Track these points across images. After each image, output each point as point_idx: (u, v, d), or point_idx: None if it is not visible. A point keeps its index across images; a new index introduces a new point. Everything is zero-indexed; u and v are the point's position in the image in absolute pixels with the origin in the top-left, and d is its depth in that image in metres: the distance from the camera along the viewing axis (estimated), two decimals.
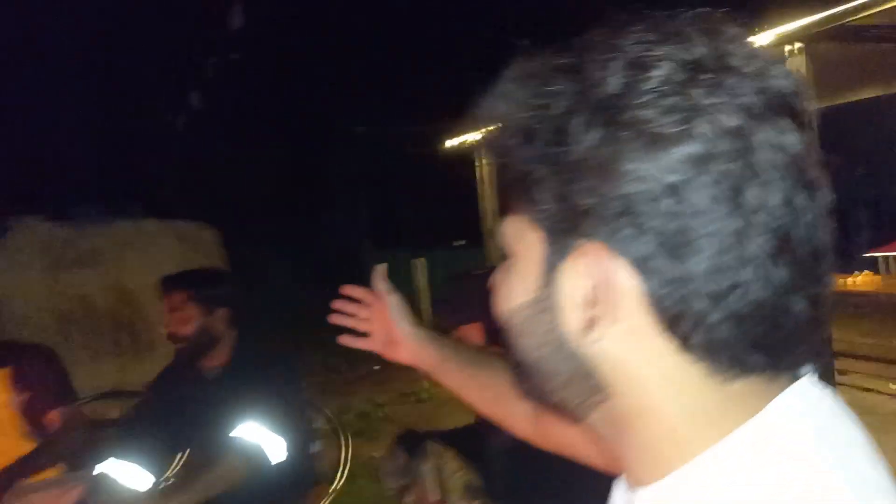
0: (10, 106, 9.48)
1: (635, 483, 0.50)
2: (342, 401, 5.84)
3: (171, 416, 2.16)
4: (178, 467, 2.31)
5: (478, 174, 6.51)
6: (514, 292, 0.52)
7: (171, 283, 2.20)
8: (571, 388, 0.50)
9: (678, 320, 0.44)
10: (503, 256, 0.54)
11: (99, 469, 2.03)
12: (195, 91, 11.54)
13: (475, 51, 9.58)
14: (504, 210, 0.53)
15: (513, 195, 0.50)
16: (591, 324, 0.46)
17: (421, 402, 5.74)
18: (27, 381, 2.33)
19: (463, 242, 11.55)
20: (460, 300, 1.56)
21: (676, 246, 0.43)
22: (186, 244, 6.81)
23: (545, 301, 0.49)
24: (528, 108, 0.47)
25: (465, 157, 7.35)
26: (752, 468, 0.43)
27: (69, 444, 2.32)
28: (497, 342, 1.33)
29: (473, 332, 1.54)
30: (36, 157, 9.54)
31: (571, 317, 0.47)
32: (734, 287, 0.43)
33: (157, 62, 11.10)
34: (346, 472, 2.40)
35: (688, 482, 0.46)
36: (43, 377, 2.37)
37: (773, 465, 0.43)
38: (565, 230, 0.46)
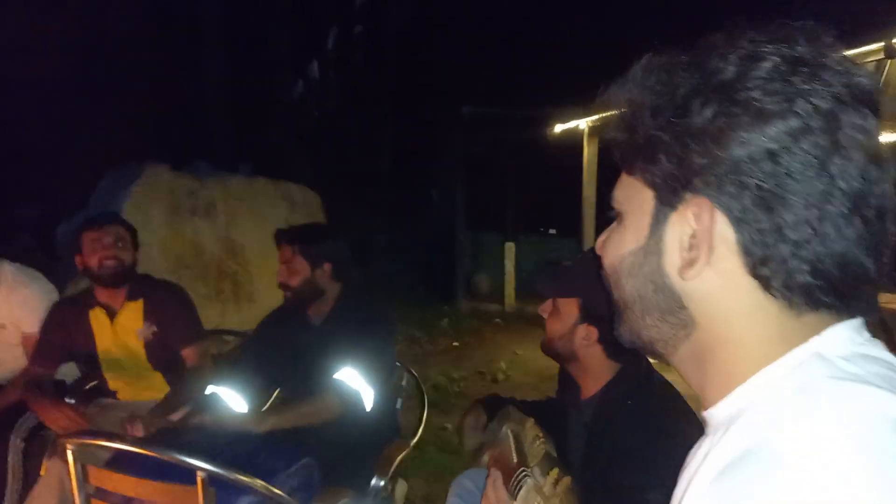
0: (146, 65, 10.21)
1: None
2: (419, 371, 6.00)
3: (275, 354, 2.37)
4: (274, 400, 2.53)
5: (584, 160, 6.43)
6: (623, 241, 0.64)
7: (284, 237, 2.38)
8: (665, 322, 0.62)
9: (764, 264, 0.55)
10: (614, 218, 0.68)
11: (209, 391, 2.26)
12: (314, 62, 12.00)
13: (590, 42, 9.44)
14: (616, 178, 0.67)
15: (633, 161, 0.62)
16: (690, 264, 0.57)
17: (496, 383, 5.84)
18: (160, 314, 2.62)
19: (553, 231, 11.49)
20: (567, 274, 1.60)
21: (769, 202, 0.53)
22: (292, 204, 7.17)
23: (653, 246, 0.61)
24: (657, 90, 0.59)
25: (568, 145, 7.33)
26: (801, 378, 0.54)
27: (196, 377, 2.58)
28: (589, 320, 1.36)
29: (570, 307, 1.59)
30: (165, 112, 10.23)
31: (674, 258, 0.59)
32: (814, 238, 0.53)
33: (281, 33, 11.59)
34: (422, 429, 2.53)
35: (749, 392, 0.56)
36: (174, 313, 2.64)
37: (818, 377, 0.53)
38: (676, 187, 0.58)
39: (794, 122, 0.53)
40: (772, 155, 0.53)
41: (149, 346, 2.63)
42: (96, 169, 6.50)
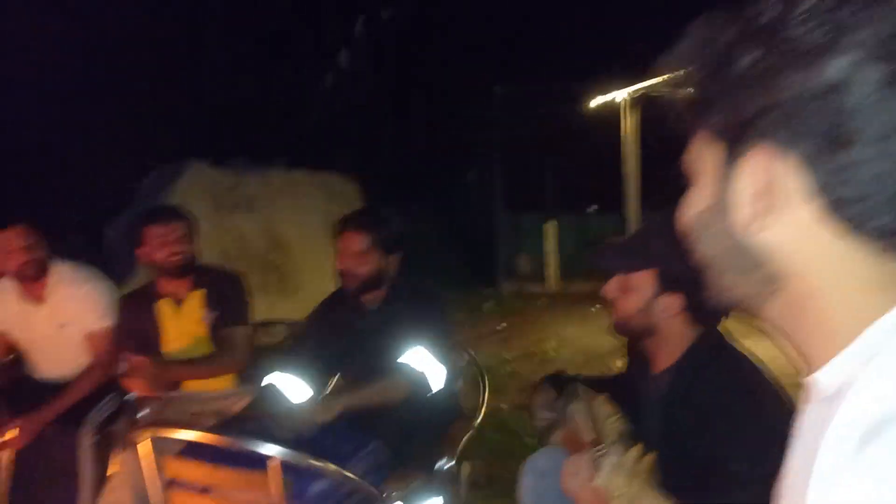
0: (179, 65, 10.34)
1: (813, 369, 0.56)
2: None
3: (332, 341, 2.38)
4: (333, 386, 2.55)
5: (624, 133, 6.29)
6: (694, 202, 0.62)
7: (354, 224, 2.32)
8: (748, 280, 0.58)
9: (844, 206, 0.50)
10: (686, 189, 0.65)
11: (266, 381, 2.27)
12: (344, 49, 12.00)
13: (625, 12, 9.21)
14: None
15: (693, 121, 0.60)
16: (758, 216, 0.54)
17: (547, 361, 5.80)
18: (219, 300, 2.68)
19: (595, 208, 11.33)
20: (637, 246, 1.54)
21: (839, 138, 0.49)
22: (331, 194, 7.22)
23: (722, 203, 0.58)
24: (700, 44, 0.57)
25: (606, 118, 7.20)
26: None
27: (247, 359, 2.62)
28: (671, 289, 1.32)
29: (645, 280, 1.53)
30: (201, 110, 10.36)
31: (744, 211, 0.55)
32: (894, 170, 0.49)
33: (309, 21, 11.61)
34: (483, 410, 2.51)
35: (863, 350, 0.52)
36: (230, 297, 2.71)
37: None
38: (737, 138, 0.55)
39: (849, 54, 0.49)
40: (831, 90, 0.49)
41: (212, 329, 2.69)
42: (137, 168, 6.62)
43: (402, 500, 1.84)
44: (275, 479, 1.54)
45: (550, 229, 9.37)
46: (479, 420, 2.49)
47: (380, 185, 8.20)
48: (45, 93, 9.37)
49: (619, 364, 5.59)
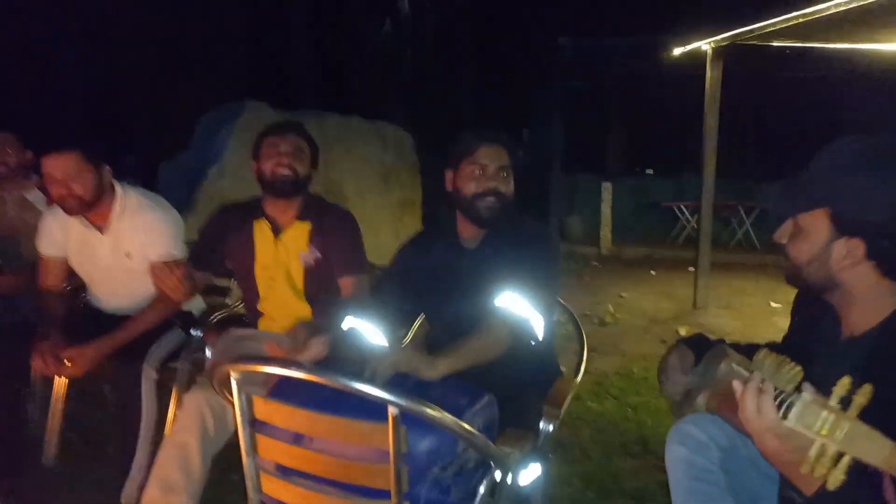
0: (234, 8, 10.08)
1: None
2: None
3: (422, 283, 2.13)
4: (416, 330, 2.31)
5: (707, 86, 5.84)
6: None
7: (491, 137, 2.05)
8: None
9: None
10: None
11: (347, 325, 2.04)
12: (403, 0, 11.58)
13: None
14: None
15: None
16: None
17: (604, 325, 5.55)
18: (325, 239, 2.44)
19: (651, 171, 10.92)
20: (806, 183, 1.30)
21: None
22: (385, 143, 6.97)
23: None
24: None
25: (678, 75, 6.76)
26: None
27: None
28: (848, 232, 1.25)
29: (817, 221, 1.29)
30: (263, 53, 10.12)
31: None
32: None
33: None
34: (582, 368, 2.27)
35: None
36: (340, 240, 2.45)
37: None
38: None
39: None
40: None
41: (309, 272, 2.47)
42: (193, 112, 6.45)
43: (519, 464, 1.61)
44: (393, 430, 1.31)
45: (606, 191, 9.01)
46: (578, 380, 2.25)
47: (434, 139, 7.91)
48: (102, 36, 9.22)
49: (682, 331, 5.34)
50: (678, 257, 8.51)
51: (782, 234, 1.37)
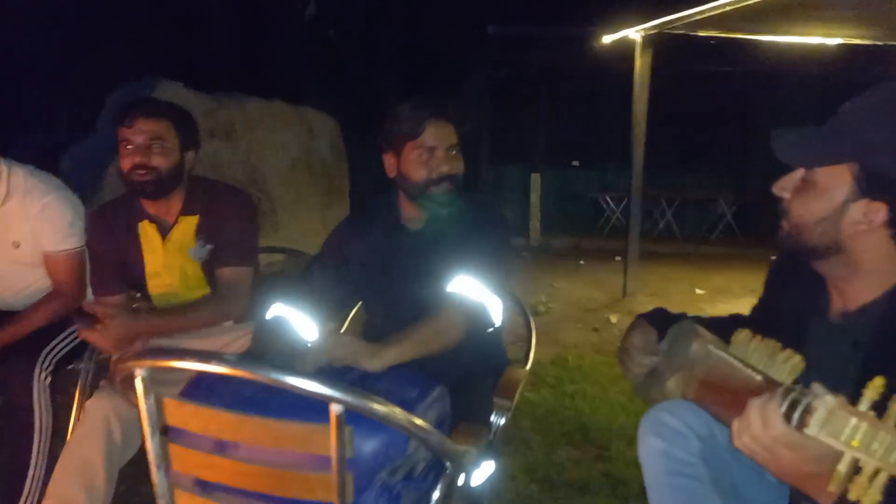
0: None
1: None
2: None
3: (358, 266, 1.92)
4: (351, 320, 2.10)
5: (636, 74, 5.83)
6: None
7: (441, 113, 1.83)
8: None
9: None
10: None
11: (272, 314, 1.82)
12: None
13: None
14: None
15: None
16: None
17: (537, 315, 5.47)
18: (215, 230, 2.13)
19: (577, 164, 11.03)
20: (832, 133, 1.15)
21: None
22: (311, 131, 6.68)
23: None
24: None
25: (606, 64, 6.74)
26: None
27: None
28: (873, 194, 1.13)
29: (838, 176, 1.15)
30: (177, 30, 9.48)
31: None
32: None
33: None
34: (531, 356, 2.13)
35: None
36: (230, 228, 2.15)
37: None
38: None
39: None
40: None
41: (207, 269, 2.16)
42: (100, 92, 5.96)
43: (475, 462, 1.44)
44: (336, 432, 1.10)
45: (535, 181, 9.00)
46: (528, 367, 2.11)
47: (360, 126, 7.66)
48: None
49: (613, 319, 5.34)
50: (605, 247, 8.62)
51: (784, 187, 1.22)
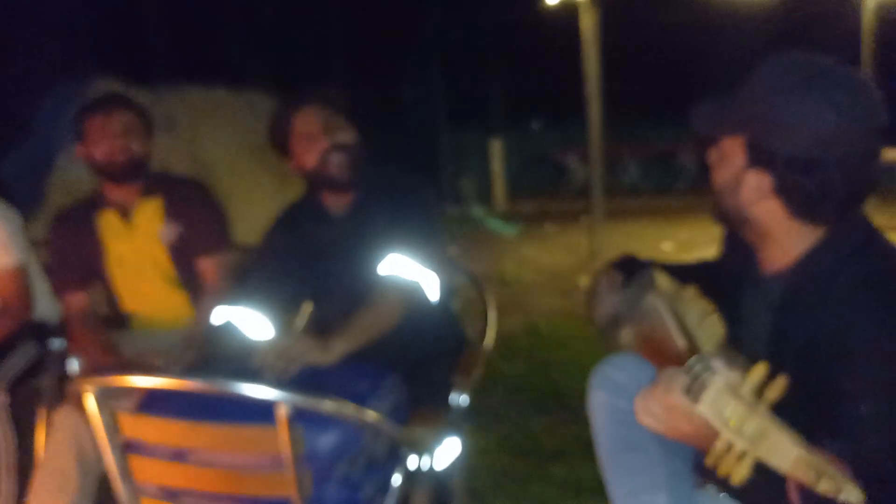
0: None
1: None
2: None
3: (294, 261, 1.92)
4: (306, 315, 2.10)
5: (582, 34, 5.83)
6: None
7: (312, 98, 1.88)
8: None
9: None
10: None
11: (220, 317, 1.82)
12: None
13: None
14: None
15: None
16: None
17: (506, 285, 5.52)
18: (184, 213, 2.16)
19: (537, 126, 11.02)
20: (732, 104, 1.19)
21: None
22: (256, 114, 6.55)
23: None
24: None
25: (556, 21, 6.69)
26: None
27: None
28: (758, 164, 1.16)
29: (734, 147, 1.18)
30: (107, 23, 9.18)
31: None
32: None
33: None
34: (490, 331, 2.15)
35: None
36: (200, 213, 2.19)
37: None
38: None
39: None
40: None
41: (175, 252, 2.17)
42: (33, 93, 5.79)
43: (434, 445, 1.47)
44: (286, 432, 1.12)
45: (496, 147, 8.97)
46: (487, 344, 2.13)
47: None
48: None
49: (583, 283, 5.41)
50: (571, 209, 8.64)
51: (710, 157, 1.27)
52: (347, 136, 1.83)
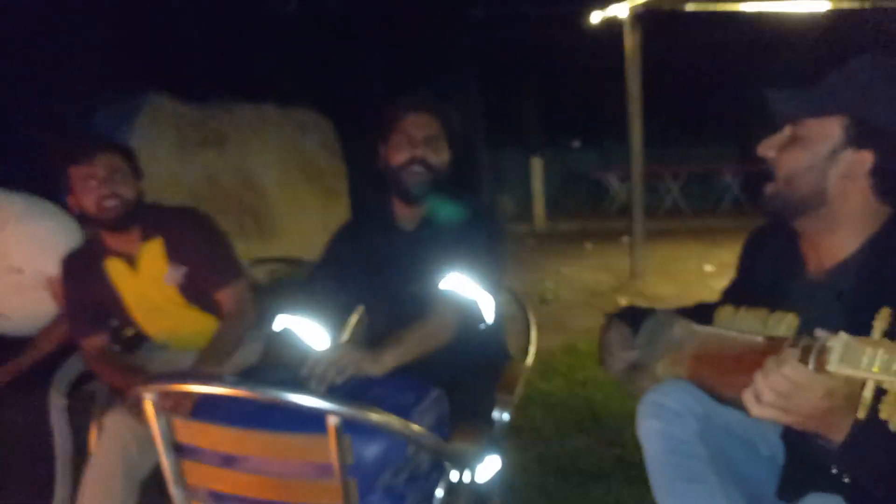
0: None
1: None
2: None
3: (357, 271, 1.97)
4: (355, 323, 2.14)
5: (627, 53, 5.82)
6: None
7: (422, 104, 1.92)
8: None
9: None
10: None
11: (279, 325, 1.86)
12: None
13: None
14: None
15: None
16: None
17: (545, 303, 5.50)
18: (185, 250, 2.14)
19: (578, 144, 10.99)
20: (825, 89, 1.23)
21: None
22: (304, 131, 6.70)
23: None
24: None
25: (599, 41, 6.67)
26: None
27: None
28: (861, 144, 1.20)
29: (827, 128, 1.21)
30: (162, 41, 9.46)
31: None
32: None
33: None
34: (532, 349, 2.16)
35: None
36: (200, 246, 2.16)
37: None
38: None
39: None
40: None
41: (185, 290, 2.18)
42: (86, 110, 5.98)
43: (475, 460, 1.48)
44: (335, 441, 1.15)
45: (536, 165, 8.98)
46: (529, 362, 2.14)
47: (352, 121, 7.67)
48: None
49: (623, 302, 5.36)
50: (611, 228, 8.59)
51: (772, 145, 1.30)
52: (440, 157, 1.88)
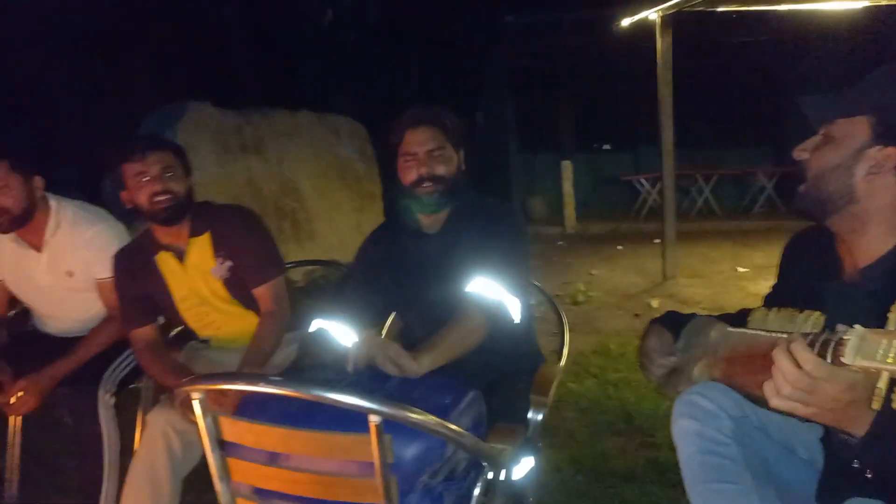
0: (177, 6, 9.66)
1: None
2: None
3: (387, 275, 2.01)
4: (388, 328, 2.19)
5: (658, 56, 5.79)
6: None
7: (424, 118, 1.93)
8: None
9: None
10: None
11: (315, 327, 1.91)
12: None
13: None
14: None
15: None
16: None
17: (577, 305, 5.50)
18: (231, 245, 2.21)
19: (608, 147, 10.94)
20: (854, 92, 1.26)
21: None
22: (339, 137, 6.81)
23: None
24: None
25: (628, 46, 6.68)
26: None
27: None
28: (884, 141, 1.23)
29: (855, 127, 1.25)
30: (199, 51, 9.71)
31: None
32: None
33: None
34: (566, 350, 2.18)
35: None
36: (246, 242, 2.23)
37: None
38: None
39: None
40: None
41: (230, 284, 2.25)
42: (132, 117, 6.17)
43: (512, 460, 1.51)
44: (377, 441, 1.19)
45: (567, 168, 8.97)
46: (563, 363, 2.16)
47: (388, 128, 7.76)
48: (28, 40, 8.70)
49: (654, 304, 5.33)
50: (642, 230, 8.55)
51: (805, 148, 1.32)
52: (448, 167, 1.91)
